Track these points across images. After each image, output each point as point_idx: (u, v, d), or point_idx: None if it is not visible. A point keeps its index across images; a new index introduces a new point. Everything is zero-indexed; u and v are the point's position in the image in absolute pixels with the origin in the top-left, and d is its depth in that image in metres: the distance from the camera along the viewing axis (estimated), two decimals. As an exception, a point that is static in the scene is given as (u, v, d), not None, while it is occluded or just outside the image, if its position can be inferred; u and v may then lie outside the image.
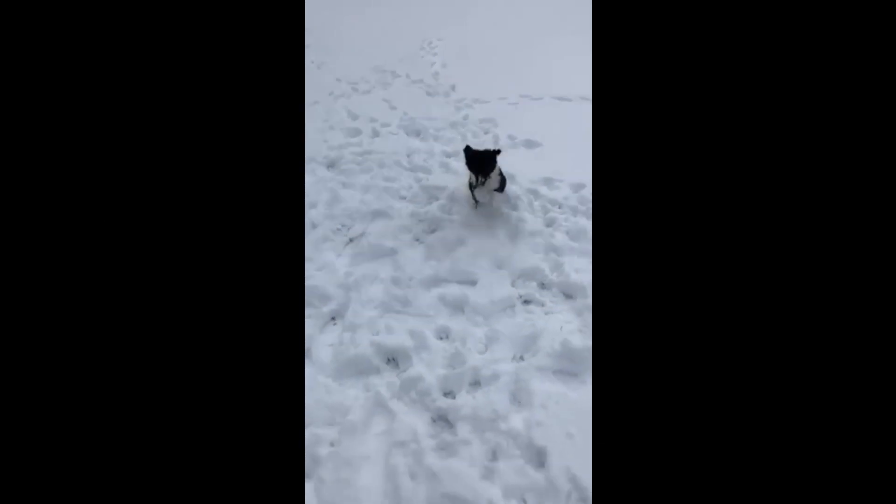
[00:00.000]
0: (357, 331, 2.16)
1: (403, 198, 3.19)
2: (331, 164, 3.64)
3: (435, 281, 2.44)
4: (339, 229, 2.93)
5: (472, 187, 2.78)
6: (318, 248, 2.76)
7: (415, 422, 1.76)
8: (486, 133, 3.92)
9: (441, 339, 2.12)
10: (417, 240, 2.79)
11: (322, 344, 2.14)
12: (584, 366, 1.90)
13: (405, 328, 2.15)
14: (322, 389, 1.92)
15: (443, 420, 1.77)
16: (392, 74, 5.21)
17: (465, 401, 1.81)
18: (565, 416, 1.71)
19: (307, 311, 2.30)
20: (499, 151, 2.71)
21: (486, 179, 2.64)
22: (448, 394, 1.86)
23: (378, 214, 3.01)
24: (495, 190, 2.83)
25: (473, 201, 2.89)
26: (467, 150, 2.73)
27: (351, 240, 2.84)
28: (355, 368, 2.00)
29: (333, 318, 2.28)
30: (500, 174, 2.83)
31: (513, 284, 2.38)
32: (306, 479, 1.62)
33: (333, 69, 5.38)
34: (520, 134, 3.81)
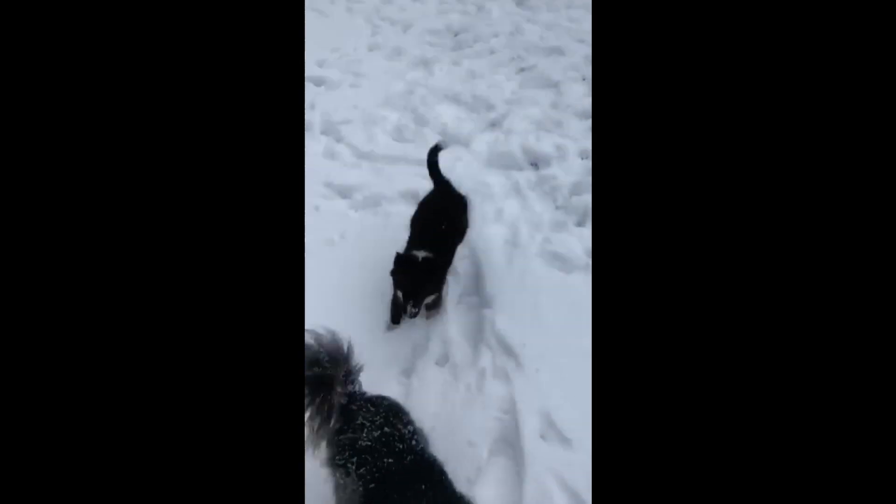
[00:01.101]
0: (510, 135, 2.50)
1: (582, 41, 3.23)
2: (520, 2, 3.75)
3: (589, 113, 2.61)
4: (514, 59, 3.16)
5: (395, 312, 1.73)
6: (492, 70, 3.06)
7: (542, 208, 2.13)
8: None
9: (583, 158, 2.37)
10: (584, 79, 2.91)
11: (480, 141, 2.54)
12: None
13: (552, 143, 2.43)
14: (474, 171, 2.35)
15: (563, 209, 2.10)
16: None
17: (588, 200, 2.09)
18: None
19: (472, 116, 2.70)
20: (443, 261, 1.68)
21: (416, 311, 1.62)
22: (575, 194, 2.16)
23: (553, 51, 3.15)
24: (429, 308, 1.76)
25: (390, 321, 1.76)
26: (401, 257, 1.63)
27: (522, 69, 3.07)
28: (503, 162, 2.38)
29: (493, 124, 2.64)
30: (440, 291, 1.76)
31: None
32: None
33: None
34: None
